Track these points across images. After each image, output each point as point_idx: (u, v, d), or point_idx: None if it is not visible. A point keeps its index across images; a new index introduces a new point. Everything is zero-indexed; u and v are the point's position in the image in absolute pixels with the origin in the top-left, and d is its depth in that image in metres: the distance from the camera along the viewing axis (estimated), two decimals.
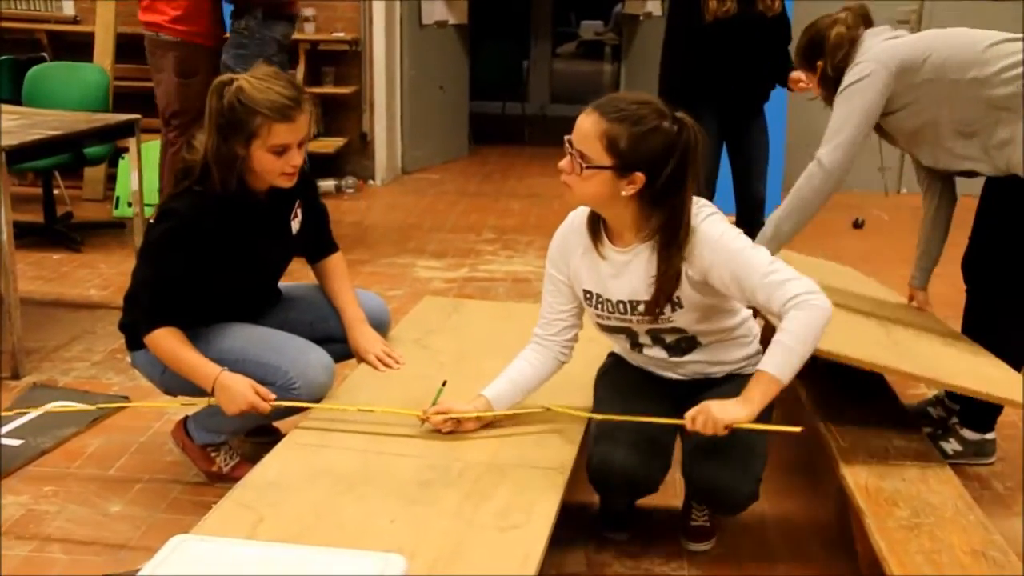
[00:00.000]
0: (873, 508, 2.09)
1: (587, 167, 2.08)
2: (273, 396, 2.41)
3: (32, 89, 5.02)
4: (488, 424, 2.31)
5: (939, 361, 2.45)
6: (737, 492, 2.19)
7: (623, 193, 2.09)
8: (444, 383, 2.42)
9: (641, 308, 2.21)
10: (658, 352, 2.32)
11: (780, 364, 2.06)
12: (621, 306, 2.24)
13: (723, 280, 2.12)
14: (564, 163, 2.13)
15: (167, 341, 2.43)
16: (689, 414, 2.10)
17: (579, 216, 2.30)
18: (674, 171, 2.07)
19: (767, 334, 2.24)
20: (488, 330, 2.94)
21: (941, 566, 1.89)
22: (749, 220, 4.10)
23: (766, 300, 2.09)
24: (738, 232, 2.17)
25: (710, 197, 4.06)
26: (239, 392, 2.39)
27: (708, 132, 3.98)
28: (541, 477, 2.11)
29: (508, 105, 9.37)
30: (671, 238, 2.12)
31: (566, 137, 2.13)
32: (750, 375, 2.26)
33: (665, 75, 4.10)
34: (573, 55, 14.28)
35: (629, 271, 2.20)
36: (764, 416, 2.11)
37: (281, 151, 2.38)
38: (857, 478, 2.20)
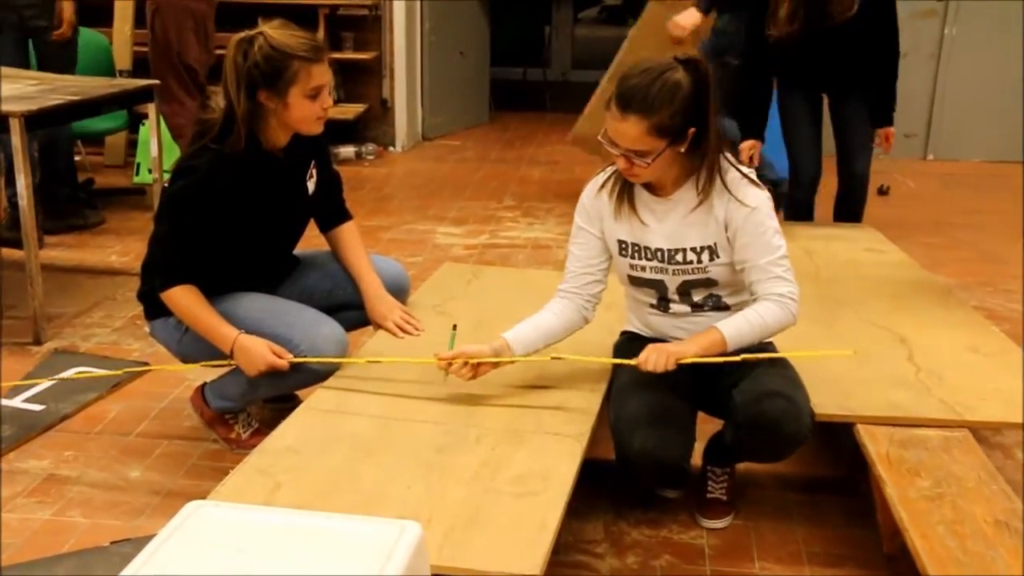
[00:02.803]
0: (895, 478, 2.06)
1: (651, 160, 2.12)
2: (291, 355, 2.42)
3: None
4: (506, 388, 2.29)
5: (963, 388, 2.39)
6: (797, 416, 2.15)
7: (681, 150, 2.15)
8: (455, 327, 2.44)
9: (679, 257, 2.24)
10: (683, 308, 2.31)
11: (735, 334, 2.18)
12: (660, 254, 2.25)
13: (739, 243, 2.20)
14: (623, 166, 2.16)
15: (186, 299, 2.43)
16: (641, 356, 2.17)
17: (612, 176, 2.31)
18: (707, 106, 2.13)
19: None
20: (507, 297, 2.93)
21: (964, 537, 1.87)
22: (847, 196, 4.05)
23: (755, 280, 2.20)
24: (771, 209, 2.23)
25: (816, 176, 4.03)
26: (258, 353, 2.41)
27: (797, 114, 3.93)
28: (559, 444, 2.10)
29: (529, 71, 9.30)
30: (707, 156, 2.18)
31: (612, 147, 2.14)
32: (765, 343, 2.31)
33: (747, 67, 3.96)
34: (595, 20, 14.12)
35: (671, 217, 2.24)
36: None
37: (315, 94, 2.40)
38: (879, 447, 2.17)
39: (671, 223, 2.24)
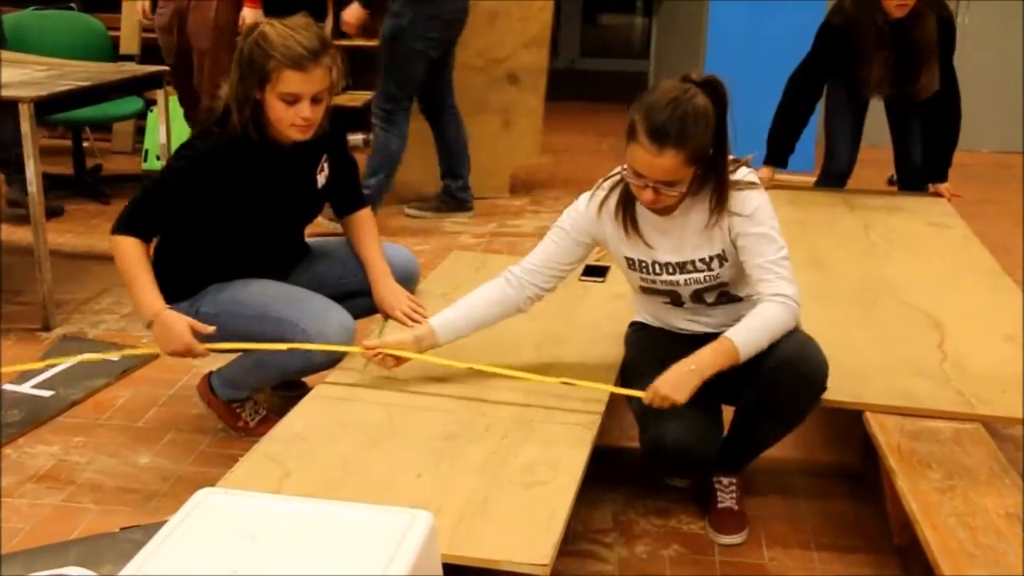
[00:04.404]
0: (905, 470, 2.06)
1: (682, 188, 2.10)
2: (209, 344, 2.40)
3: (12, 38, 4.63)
4: (515, 378, 2.29)
5: (986, 378, 2.36)
6: (817, 359, 2.16)
7: (699, 172, 2.12)
8: (387, 319, 2.54)
9: (690, 267, 2.21)
10: (696, 305, 2.31)
11: (746, 343, 2.12)
12: (670, 267, 2.23)
13: (739, 244, 2.17)
14: (650, 197, 2.10)
15: (129, 250, 2.40)
16: (647, 397, 2.10)
17: (611, 196, 2.26)
18: (725, 125, 2.10)
19: None
20: None
21: (975, 529, 1.86)
22: (904, 187, 4.03)
23: (756, 281, 2.17)
24: (771, 209, 2.20)
25: (848, 170, 4.01)
26: (176, 333, 2.36)
27: (842, 105, 3.89)
28: (568, 433, 2.10)
29: None
30: (717, 172, 2.15)
31: (638, 180, 2.09)
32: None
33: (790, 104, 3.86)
34: (604, 7, 14.06)
35: (676, 232, 2.21)
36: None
37: (292, 100, 2.35)
38: (889, 439, 2.16)
39: (676, 238, 2.22)
